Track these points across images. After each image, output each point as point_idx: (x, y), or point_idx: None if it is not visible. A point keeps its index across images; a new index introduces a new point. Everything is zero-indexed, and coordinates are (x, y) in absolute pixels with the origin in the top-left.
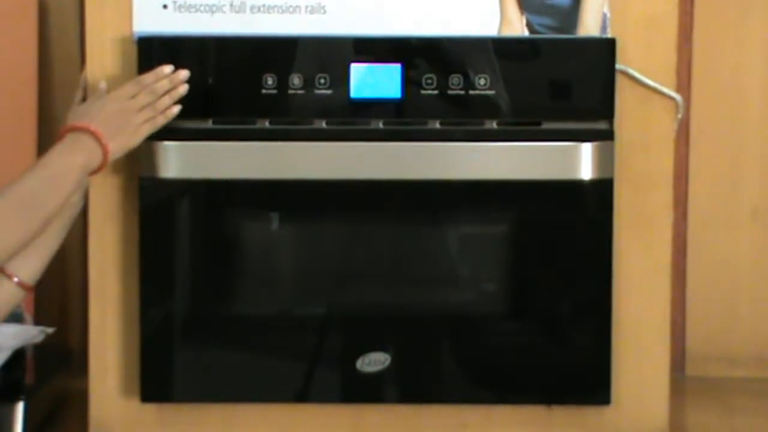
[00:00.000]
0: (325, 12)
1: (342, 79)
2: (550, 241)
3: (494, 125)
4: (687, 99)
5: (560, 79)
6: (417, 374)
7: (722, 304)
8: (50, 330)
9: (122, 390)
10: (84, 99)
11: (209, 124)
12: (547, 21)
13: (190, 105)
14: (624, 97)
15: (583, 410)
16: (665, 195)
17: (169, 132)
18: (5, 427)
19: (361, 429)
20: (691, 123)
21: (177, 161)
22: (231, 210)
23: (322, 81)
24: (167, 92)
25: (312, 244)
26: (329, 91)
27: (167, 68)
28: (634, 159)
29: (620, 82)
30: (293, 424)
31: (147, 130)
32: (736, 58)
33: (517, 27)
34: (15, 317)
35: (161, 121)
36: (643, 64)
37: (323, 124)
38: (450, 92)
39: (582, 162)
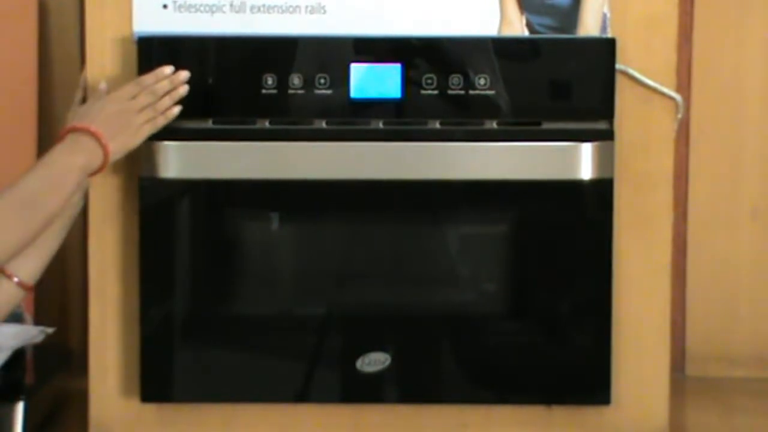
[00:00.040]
0: (325, 12)
1: (342, 79)
2: (550, 241)
3: (494, 125)
4: (687, 99)
5: (560, 79)
6: (417, 374)
7: (722, 304)
8: (50, 330)
9: (122, 390)
10: (84, 99)
11: (209, 124)
12: (547, 21)
13: (190, 105)
14: (624, 97)
15: (583, 410)
16: (665, 195)
17: (169, 132)
18: (5, 427)
19: (361, 429)
20: (691, 123)
21: (177, 161)
22: (231, 210)
23: (322, 81)
24: (167, 93)
25: (312, 244)
26: (329, 91)
27: (167, 69)
28: (634, 159)
29: (620, 82)
30: (293, 424)
31: (147, 130)
32: (736, 58)
33: (517, 27)
34: (15, 317)
35: (161, 121)
36: (643, 64)
37: (323, 124)
38: (450, 92)
39: (582, 162)
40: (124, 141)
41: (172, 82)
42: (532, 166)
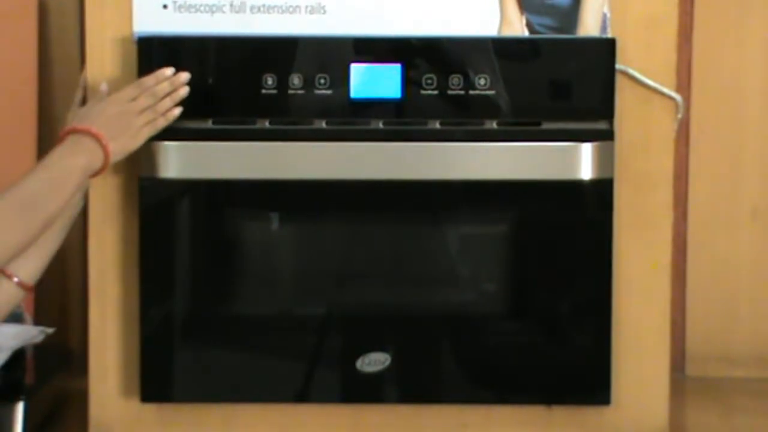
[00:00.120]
0: (325, 12)
1: (342, 79)
2: (550, 241)
3: (494, 125)
4: (687, 99)
5: (560, 79)
6: (417, 374)
7: (722, 304)
8: (50, 330)
9: (122, 390)
10: (84, 99)
11: (209, 124)
12: (547, 21)
13: (191, 105)
14: (624, 97)
15: (583, 410)
16: (665, 195)
17: (169, 132)
18: (5, 427)
19: (361, 429)
20: (691, 123)
21: (177, 161)
22: (231, 210)
23: (322, 81)
24: (168, 95)
25: (312, 244)
26: (329, 91)
27: (168, 71)
28: (634, 159)
29: (620, 82)
30: (293, 424)
31: (148, 132)
32: (736, 58)
33: (517, 27)
34: (15, 317)
35: (162, 123)
36: (643, 64)
37: (323, 124)
38: (450, 92)
39: (582, 162)
40: (124, 142)
41: (172, 83)
42: (532, 166)
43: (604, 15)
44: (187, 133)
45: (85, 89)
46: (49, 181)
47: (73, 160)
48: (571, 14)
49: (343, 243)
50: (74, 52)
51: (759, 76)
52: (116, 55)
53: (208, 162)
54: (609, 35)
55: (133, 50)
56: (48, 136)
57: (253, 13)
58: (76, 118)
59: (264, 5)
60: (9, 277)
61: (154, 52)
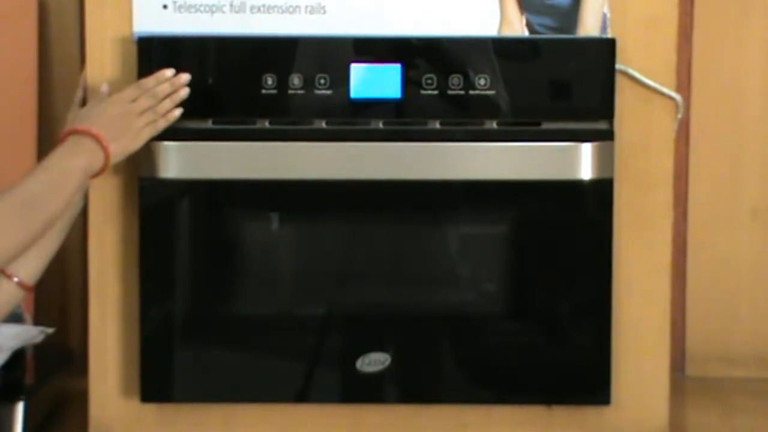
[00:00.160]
0: (325, 12)
1: (342, 79)
2: (550, 241)
3: (494, 125)
4: (687, 99)
5: (560, 79)
6: (417, 374)
7: (722, 304)
8: (50, 330)
9: (122, 390)
10: (84, 99)
11: (209, 124)
12: (547, 21)
13: (191, 105)
14: (624, 97)
15: (583, 410)
16: (665, 195)
17: (169, 132)
18: (5, 427)
19: (361, 429)
20: (691, 123)
21: (177, 161)
22: (231, 210)
23: (322, 81)
24: (168, 96)
25: (312, 244)
26: (329, 91)
27: (168, 72)
28: (634, 159)
29: (620, 82)
30: (293, 424)
31: (148, 133)
32: (736, 58)
33: (517, 27)
34: (15, 317)
35: (162, 124)
36: (643, 64)
37: (323, 124)
38: (450, 92)
39: (582, 162)
40: (125, 144)
41: (172, 84)
42: (532, 166)
43: (604, 15)
44: (187, 133)
45: (85, 89)
46: (50, 182)
47: (73, 161)
48: (571, 14)
49: (343, 243)
50: (74, 52)
51: (759, 76)
52: (116, 55)
53: (208, 162)
54: (609, 35)
55: (133, 50)
56: (48, 136)
57: (253, 13)
58: (77, 119)
59: (264, 5)
60: (9, 277)
61: (154, 52)
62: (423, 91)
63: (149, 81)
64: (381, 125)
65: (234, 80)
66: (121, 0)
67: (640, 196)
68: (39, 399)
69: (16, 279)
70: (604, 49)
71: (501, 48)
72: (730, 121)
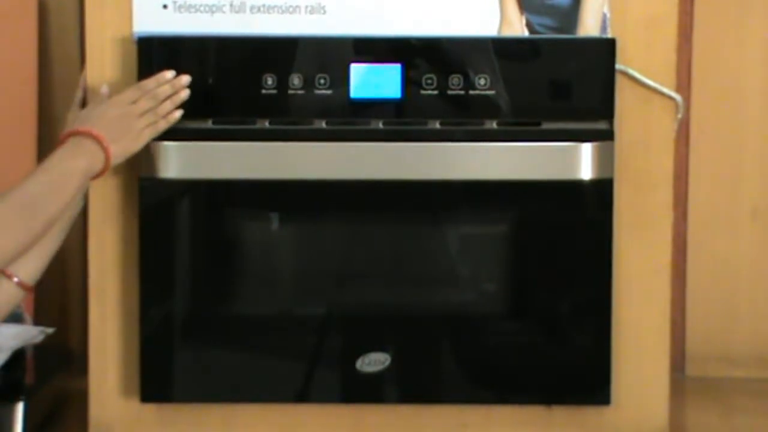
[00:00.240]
0: (325, 12)
1: (342, 79)
2: (550, 241)
3: (494, 125)
4: (687, 99)
5: (560, 79)
6: (417, 374)
7: (722, 304)
8: (50, 330)
9: (122, 390)
10: (84, 99)
11: (209, 124)
12: (547, 21)
13: (191, 105)
14: (624, 97)
15: (583, 410)
16: (665, 195)
17: (169, 132)
18: (5, 427)
19: (361, 429)
20: (691, 123)
21: (177, 161)
22: (231, 210)
23: (322, 81)
24: (169, 97)
25: (312, 244)
26: (329, 91)
27: (169, 73)
28: (634, 159)
29: (620, 82)
30: (293, 424)
31: (149, 134)
32: (736, 58)
33: (517, 27)
34: (15, 317)
35: (163, 125)
36: (643, 64)
37: (323, 124)
38: (450, 92)
39: (582, 162)
40: (125, 145)
41: (173, 86)
42: (532, 166)
43: (604, 15)
44: (187, 133)
45: (85, 89)
46: (50, 184)
47: (73, 162)
48: (571, 14)
49: (343, 243)
50: (74, 52)
51: (759, 76)
52: (116, 55)
53: (208, 162)
54: (609, 35)
55: (133, 50)
56: (48, 136)
57: (253, 13)
58: (77, 120)
59: (264, 5)
60: (9, 277)
61: (154, 52)
62: (423, 91)
63: (150, 82)
64: (381, 125)
65: (234, 80)
66: (121, 0)
67: (640, 196)
68: (39, 399)
69: (16, 279)
70: (604, 49)
71: (501, 48)
72: (730, 121)
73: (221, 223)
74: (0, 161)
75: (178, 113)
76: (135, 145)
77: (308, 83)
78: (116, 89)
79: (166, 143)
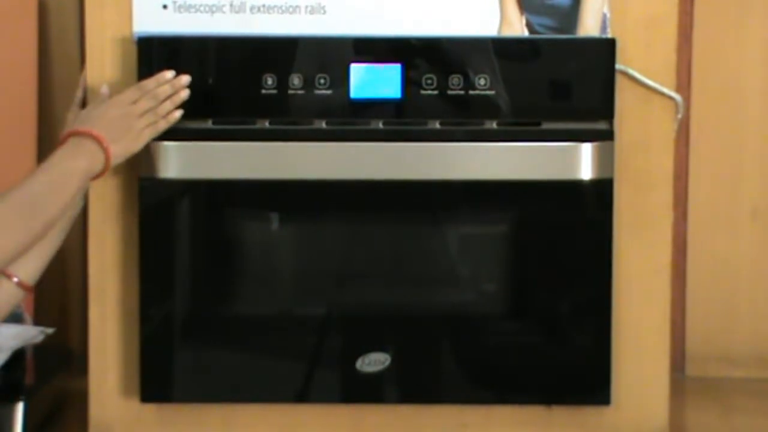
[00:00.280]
0: (325, 12)
1: (342, 79)
2: (550, 241)
3: (494, 125)
4: (687, 99)
5: (560, 79)
6: (417, 374)
7: (722, 304)
8: (50, 330)
9: (122, 390)
10: (84, 99)
11: (209, 124)
12: (547, 21)
13: (191, 105)
14: (624, 97)
15: (583, 410)
16: (665, 195)
17: (169, 132)
18: (5, 427)
19: (361, 429)
20: (691, 123)
21: (177, 161)
22: (231, 210)
23: (322, 81)
24: (169, 97)
25: (312, 244)
26: (329, 91)
27: (169, 73)
28: (634, 159)
29: (620, 82)
30: (293, 424)
31: (149, 135)
32: (736, 58)
33: (517, 27)
34: (15, 317)
35: (163, 126)
36: (643, 64)
37: (323, 125)
38: (450, 92)
39: (582, 162)
40: (125, 145)
41: (173, 86)
42: (532, 166)
43: (604, 15)
44: (187, 133)
45: (85, 89)
46: (50, 184)
47: (74, 162)
48: (571, 14)
49: (343, 243)
50: (74, 52)
51: (759, 76)
52: (116, 55)
53: (208, 162)
54: (609, 35)
55: (133, 50)
56: (48, 136)
57: (253, 13)
58: (77, 120)
59: (264, 5)
60: (9, 277)
61: (154, 52)
62: (423, 91)
63: (150, 83)
64: (381, 125)
65: (234, 80)
66: (121, 0)
67: (640, 196)
68: (39, 399)
69: (16, 279)
70: (604, 49)
71: (501, 48)
72: (730, 121)
73: (221, 223)
74: (0, 161)
75: (178, 113)
76: (135, 145)
77: (308, 83)
78: (116, 89)
79: (166, 143)
